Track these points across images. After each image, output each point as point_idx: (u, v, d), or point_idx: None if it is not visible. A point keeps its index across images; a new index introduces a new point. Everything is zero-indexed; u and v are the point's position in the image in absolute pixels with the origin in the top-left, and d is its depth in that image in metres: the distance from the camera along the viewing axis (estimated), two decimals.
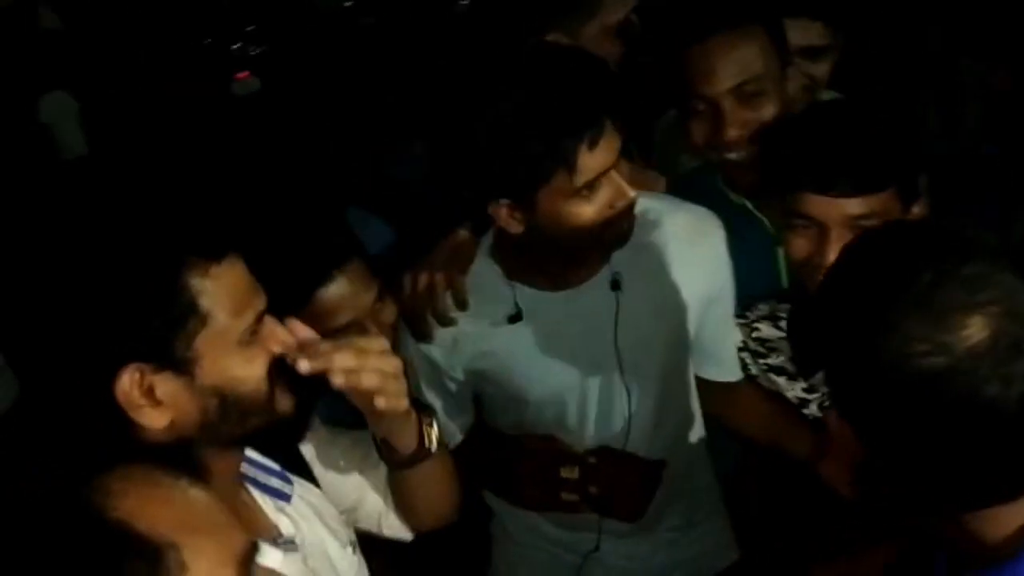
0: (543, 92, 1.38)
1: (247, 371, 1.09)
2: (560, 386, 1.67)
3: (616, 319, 1.61)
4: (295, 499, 1.29)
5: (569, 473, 1.64)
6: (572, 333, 1.64)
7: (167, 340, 1.02)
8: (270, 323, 1.12)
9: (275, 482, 1.27)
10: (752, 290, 1.76)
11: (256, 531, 1.16)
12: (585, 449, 1.67)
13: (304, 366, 1.11)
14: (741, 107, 1.63)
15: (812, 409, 1.68)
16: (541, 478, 1.67)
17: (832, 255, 1.25)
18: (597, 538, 1.74)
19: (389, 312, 1.63)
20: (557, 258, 1.59)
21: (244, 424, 1.10)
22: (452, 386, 1.72)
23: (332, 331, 1.41)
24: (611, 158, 1.44)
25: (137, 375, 1.01)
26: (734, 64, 1.61)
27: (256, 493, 1.25)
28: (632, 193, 1.47)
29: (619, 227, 1.50)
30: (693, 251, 1.66)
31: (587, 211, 1.46)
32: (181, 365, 1.04)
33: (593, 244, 1.53)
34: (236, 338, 1.07)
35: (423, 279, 1.64)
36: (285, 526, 1.24)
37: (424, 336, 1.65)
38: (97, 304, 1.00)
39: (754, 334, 1.74)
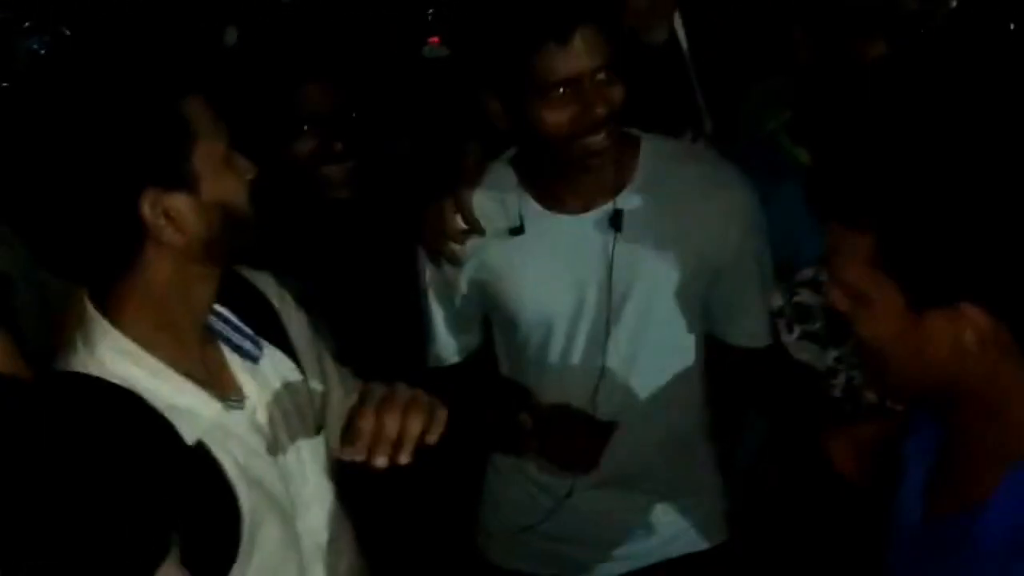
0: None
1: (238, 187, 1.20)
2: (548, 313, 1.63)
3: (611, 258, 1.57)
4: (264, 362, 1.32)
5: (525, 420, 1.63)
6: (568, 260, 1.61)
7: (173, 160, 1.13)
8: (237, 153, 1.22)
9: (247, 344, 1.31)
10: (811, 252, 1.67)
11: (217, 384, 1.24)
12: (543, 401, 1.67)
13: (380, 462, 1.17)
14: None
15: (840, 380, 1.59)
16: (506, 421, 1.66)
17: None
18: (571, 484, 1.70)
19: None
20: (556, 176, 1.59)
21: (241, 237, 1.21)
22: (456, 299, 1.72)
23: None
24: (581, 65, 1.43)
25: (154, 197, 1.13)
26: None
27: (226, 350, 1.29)
28: (600, 110, 1.44)
29: (586, 144, 1.48)
30: (707, 204, 1.59)
31: (551, 117, 1.46)
32: (188, 183, 1.15)
33: (561, 155, 1.52)
34: (221, 157, 1.18)
35: (434, 210, 1.67)
36: (248, 386, 1.28)
37: (439, 255, 1.67)
38: (113, 139, 1.11)
39: (794, 299, 1.69)
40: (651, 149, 1.63)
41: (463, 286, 1.69)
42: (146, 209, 1.12)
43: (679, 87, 2.33)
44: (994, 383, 0.95)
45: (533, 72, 1.43)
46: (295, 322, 1.44)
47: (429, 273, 1.72)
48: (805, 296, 1.67)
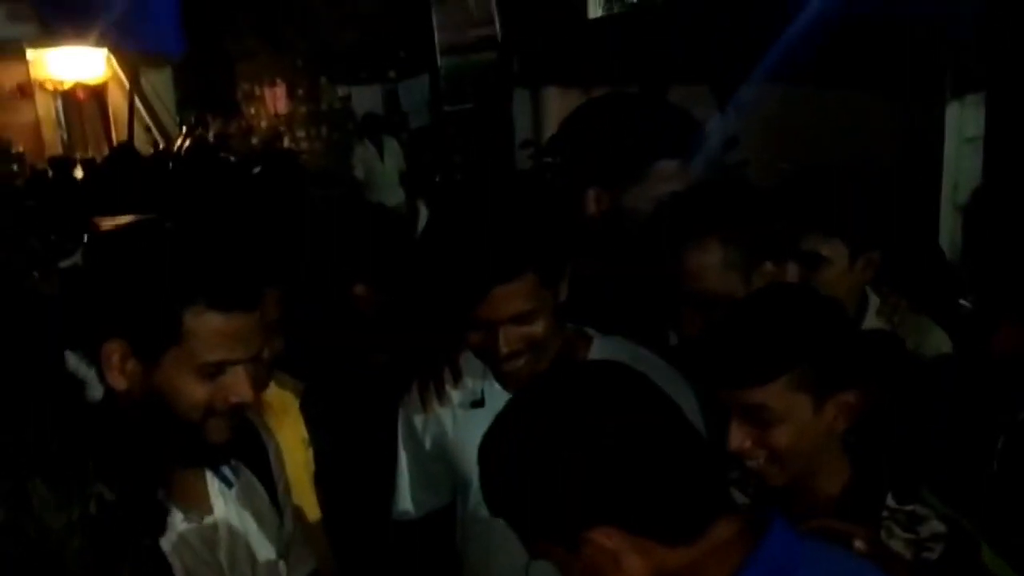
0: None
1: (189, 393, 1.32)
2: None
3: None
4: (236, 489, 1.48)
5: None
6: None
7: (148, 340, 1.30)
8: (240, 375, 1.34)
9: (224, 469, 1.47)
10: None
11: (187, 498, 1.42)
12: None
13: None
14: None
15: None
16: None
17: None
18: None
19: (279, 342, 1.82)
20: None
21: (170, 429, 1.33)
22: (421, 457, 1.83)
23: None
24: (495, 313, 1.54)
25: (117, 347, 1.30)
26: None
27: (208, 472, 1.46)
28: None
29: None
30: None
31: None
32: (147, 361, 1.30)
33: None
34: (196, 366, 1.30)
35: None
36: (218, 505, 1.45)
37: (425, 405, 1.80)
38: (116, 292, 1.31)
39: None
40: (600, 349, 1.72)
41: (427, 445, 1.81)
42: (106, 349, 1.29)
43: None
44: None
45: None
46: (277, 465, 1.61)
47: (403, 429, 1.84)
48: None
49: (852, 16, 4.72)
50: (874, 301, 1.97)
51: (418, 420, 1.82)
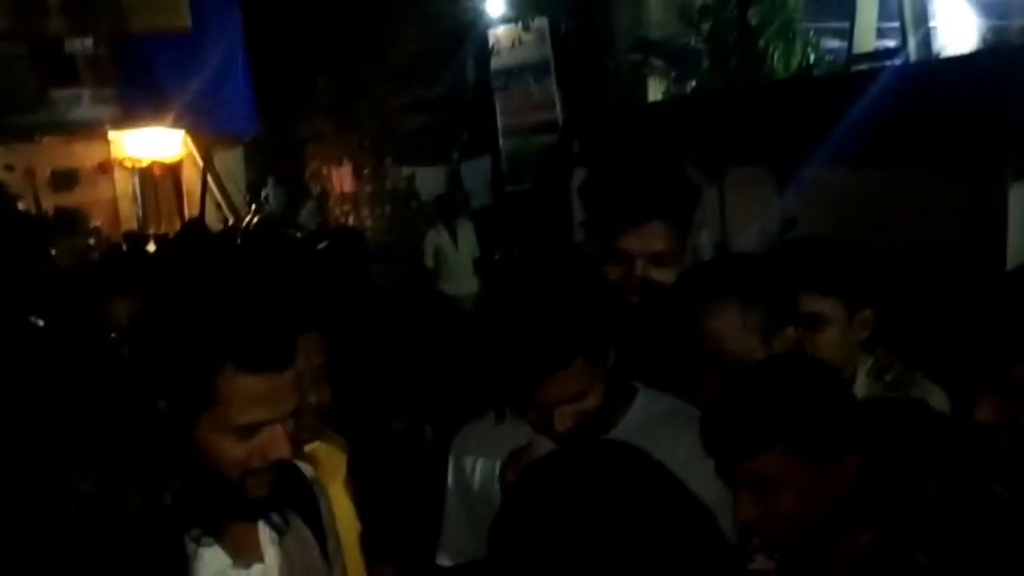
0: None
1: (226, 453, 1.36)
2: None
3: None
4: (288, 538, 1.52)
5: None
6: None
7: (183, 403, 1.36)
8: (276, 433, 1.38)
9: (275, 517, 1.51)
10: None
11: (237, 545, 1.45)
12: None
13: None
14: None
15: None
16: None
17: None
18: None
19: (325, 391, 1.92)
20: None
21: (215, 487, 1.39)
22: (470, 500, 1.84)
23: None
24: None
25: (162, 405, 1.37)
26: None
27: (260, 521, 1.50)
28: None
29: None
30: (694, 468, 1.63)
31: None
32: (185, 422, 1.36)
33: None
34: (231, 428, 1.35)
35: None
36: (268, 553, 1.49)
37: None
38: (153, 356, 1.38)
39: None
40: (644, 402, 1.74)
41: (477, 488, 1.82)
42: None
43: None
44: None
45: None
46: (329, 518, 1.66)
47: (453, 473, 1.86)
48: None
49: (913, 100, 4.75)
50: (865, 360, 1.98)
51: (468, 462, 1.84)
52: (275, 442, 1.36)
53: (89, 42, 13.11)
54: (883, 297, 1.97)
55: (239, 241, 9.32)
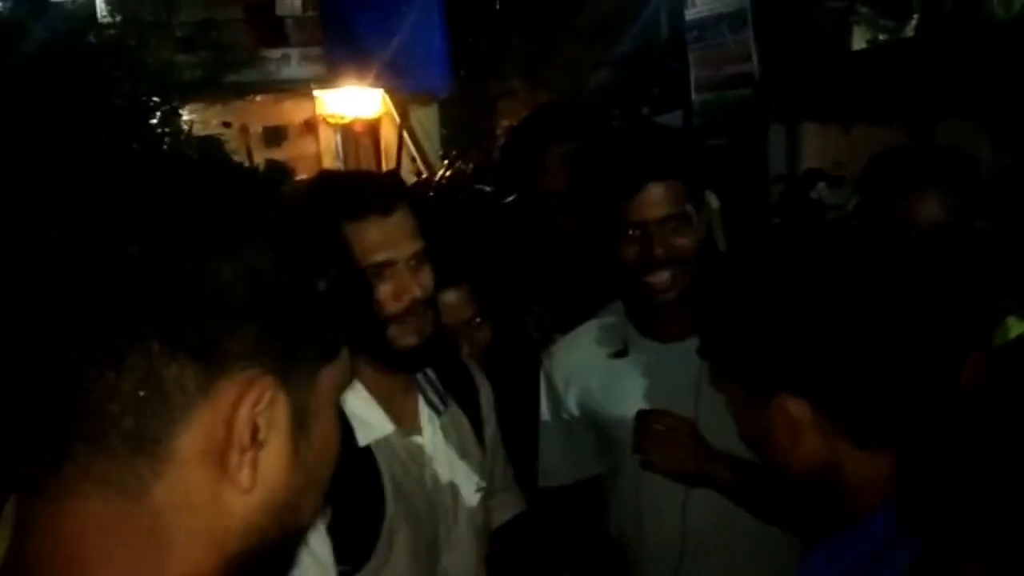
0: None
1: None
2: None
3: (699, 385, 1.65)
4: (446, 417, 1.63)
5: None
6: (662, 385, 1.75)
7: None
8: (400, 273, 1.55)
9: (435, 399, 1.63)
10: None
11: (400, 417, 1.58)
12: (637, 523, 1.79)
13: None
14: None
15: None
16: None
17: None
18: None
19: (484, 334, 2.01)
20: (652, 310, 1.77)
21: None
22: (567, 418, 1.87)
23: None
24: (647, 213, 1.65)
25: None
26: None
27: (421, 400, 1.65)
28: (659, 251, 1.59)
29: (648, 282, 1.62)
30: None
31: (623, 252, 1.69)
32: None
33: (637, 291, 1.74)
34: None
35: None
36: (426, 430, 1.60)
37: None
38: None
39: None
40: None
41: (572, 407, 1.85)
42: None
43: None
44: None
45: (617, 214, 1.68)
46: (488, 407, 1.72)
47: (546, 391, 1.89)
48: None
49: None
50: None
51: (559, 379, 1.85)
52: (403, 282, 1.48)
53: (298, 4, 13.78)
54: None
55: (432, 194, 9.63)
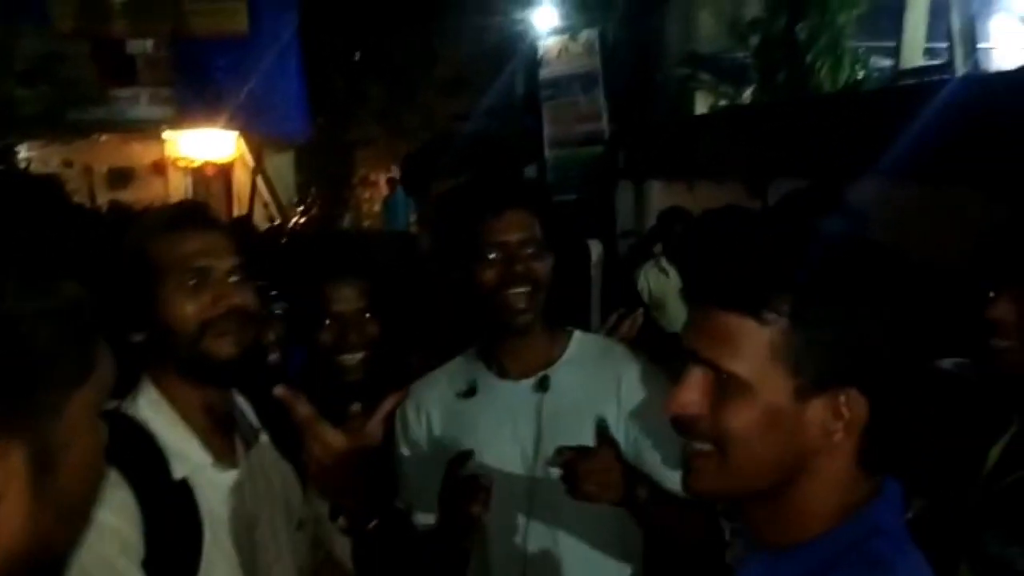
0: None
1: (181, 306, 1.50)
2: (487, 469, 1.76)
3: (539, 420, 1.79)
4: (258, 449, 1.62)
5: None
6: (506, 422, 1.82)
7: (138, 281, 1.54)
8: (220, 280, 1.54)
9: (248, 431, 1.62)
10: None
11: (217, 449, 1.53)
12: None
13: None
14: None
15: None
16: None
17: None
18: None
19: (373, 328, 1.99)
20: (502, 347, 1.84)
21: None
22: (421, 451, 1.89)
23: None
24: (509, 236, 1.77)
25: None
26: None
27: (237, 434, 1.61)
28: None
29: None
30: (629, 372, 1.83)
31: (483, 274, 1.78)
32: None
33: (494, 316, 1.81)
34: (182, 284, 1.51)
35: None
36: (242, 463, 1.57)
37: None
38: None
39: None
40: (581, 339, 1.90)
41: (423, 443, 1.89)
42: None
43: None
44: (834, 459, 0.98)
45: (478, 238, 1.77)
46: None
47: (397, 423, 1.89)
48: None
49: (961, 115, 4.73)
50: None
51: (412, 416, 1.89)
52: (222, 290, 1.49)
53: (150, 43, 13.44)
54: None
55: (284, 240, 9.48)
